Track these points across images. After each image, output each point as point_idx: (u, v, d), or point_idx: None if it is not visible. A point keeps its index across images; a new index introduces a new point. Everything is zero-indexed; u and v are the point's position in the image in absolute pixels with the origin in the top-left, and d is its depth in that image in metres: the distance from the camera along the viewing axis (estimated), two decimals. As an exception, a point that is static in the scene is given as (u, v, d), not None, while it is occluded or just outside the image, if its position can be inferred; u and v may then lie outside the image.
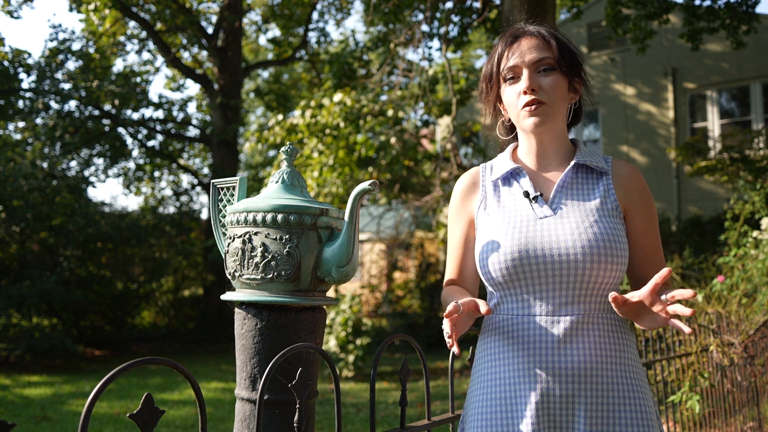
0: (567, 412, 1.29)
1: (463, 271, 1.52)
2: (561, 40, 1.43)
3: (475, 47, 21.85)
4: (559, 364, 1.30)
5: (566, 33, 13.03)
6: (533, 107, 1.39)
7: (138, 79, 16.44)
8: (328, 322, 8.40)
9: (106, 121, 14.85)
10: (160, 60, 17.31)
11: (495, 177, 1.48)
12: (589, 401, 1.29)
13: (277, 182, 1.35)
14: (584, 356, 1.30)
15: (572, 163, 1.43)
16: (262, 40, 21.61)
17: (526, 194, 1.41)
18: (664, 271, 1.18)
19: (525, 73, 1.40)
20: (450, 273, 1.53)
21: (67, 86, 13.86)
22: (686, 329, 1.18)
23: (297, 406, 1.12)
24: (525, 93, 1.39)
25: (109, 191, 47.40)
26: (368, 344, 8.26)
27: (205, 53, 17.06)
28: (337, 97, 8.62)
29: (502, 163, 1.50)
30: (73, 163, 14.75)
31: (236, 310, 1.28)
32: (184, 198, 16.21)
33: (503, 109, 1.52)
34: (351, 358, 8.17)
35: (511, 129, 1.57)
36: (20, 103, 13.94)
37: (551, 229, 1.35)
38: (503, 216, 1.42)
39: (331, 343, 8.25)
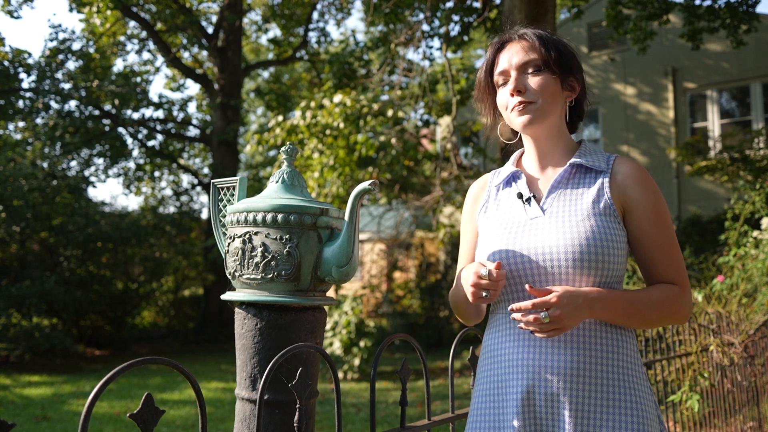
0: (551, 411, 1.29)
1: None
2: (547, 40, 1.43)
3: (475, 47, 21.85)
4: (543, 362, 1.30)
5: (566, 33, 13.00)
6: (521, 107, 1.41)
7: (138, 79, 16.44)
8: (331, 324, 8.39)
9: (106, 121, 14.86)
10: (160, 60, 17.32)
11: (498, 182, 1.51)
12: (574, 401, 1.27)
13: (277, 182, 1.35)
14: (570, 356, 1.29)
15: (569, 162, 1.43)
16: (263, 40, 21.62)
17: (519, 195, 1.44)
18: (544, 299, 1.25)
19: (513, 75, 1.42)
20: (458, 276, 1.56)
21: (67, 86, 13.87)
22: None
23: (297, 406, 1.12)
24: (512, 95, 1.42)
25: (109, 191, 47.45)
26: (371, 345, 8.25)
27: (205, 53, 17.07)
28: (338, 98, 8.62)
29: (506, 168, 1.54)
30: (73, 163, 14.77)
31: (236, 310, 1.28)
32: (184, 198, 16.23)
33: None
34: (356, 361, 8.15)
35: (514, 131, 1.58)
36: (20, 103, 13.95)
37: (539, 230, 1.36)
38: (498, 219, 1.45)
39: (335, 346, 8.24)
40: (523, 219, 1.40)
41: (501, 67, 1.45)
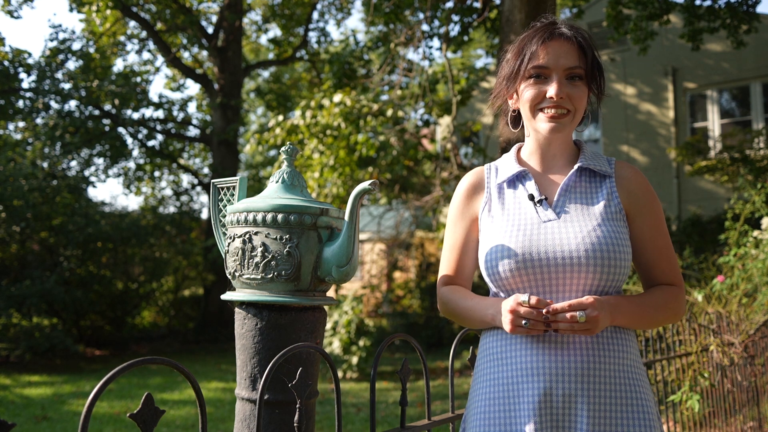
0: (569, 411, 1.29)
1: (461, 270, 1.51)
2: (594, 50, 1.42)
3: (475, 47, 21.84)
4: (560, 363, 1.30)
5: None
6: (557, 114, 1.39)
7: (138, 79, 16.44)
8: (331, 324, 8.39)
9: (106, 121, 14.85)
10: (160, 60, 17.32)
11: (501, 180, 1.48)
12: (590, 400, 1.29)
13: (277, 182, 1.35)
14: (585, 356, 1.31)
15: (576, 166, 1.43)
16: (263, 40, 21.65)
17: (531, 197, 1.42)
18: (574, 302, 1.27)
19: (555, 78, 1.38)
20: (447, 271, 1.52)
21: (67, 86, 13.86)
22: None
23: (297, 405, 1.12)
24: (552, 98, 1.38)
25: (109, 191, 47.50)
26: (371, 345, 8.26)
27: (205, 53, 17.06)
28: (337, 97, 8.62)
29: (507, 165, 1.50)
30: (74, 163, 14.76)
31: (236, 309, 1.28)
32: (184, 198, 16.22)
33: (511, 98, 1.50)
34: (354, 360, 8.15)
35: (515, 122, 1.54)
36: (20, 103, 13.95)
37: (555, 233, 1.36)
38: (507, 219, 1.42)
39: (334, 345, 8.24)
40: (536, 221, 1.39)
41: (542, 61, 1.39)
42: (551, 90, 1.38)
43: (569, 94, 1.38)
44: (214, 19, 16.40)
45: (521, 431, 1.31)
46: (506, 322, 1.30)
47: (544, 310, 1.27)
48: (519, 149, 1.53)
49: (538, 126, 1.42)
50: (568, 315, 1.25)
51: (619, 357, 1.33)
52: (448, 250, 1.53)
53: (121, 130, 15.20)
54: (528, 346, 1.34)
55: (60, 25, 14.54)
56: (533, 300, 1.27)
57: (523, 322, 1.27)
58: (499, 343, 1.39)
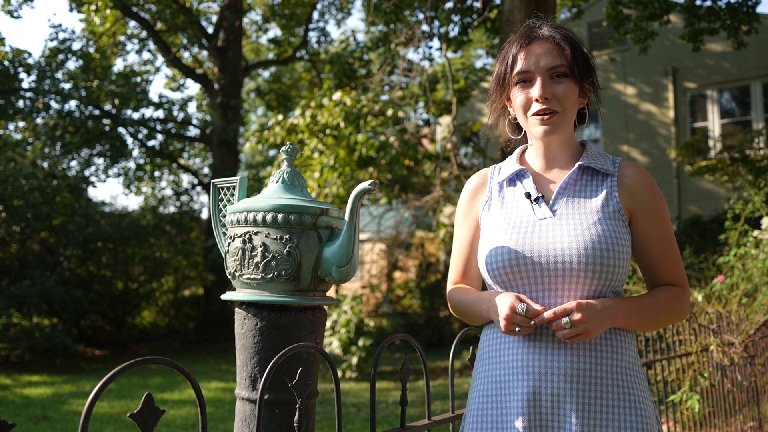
0: (556, 411, 1.29)
1: (468, 270, 1.52)
2: (576, 46, 1.41)
3: (475, 47, 21.83)
4: (549, 363, 1.30)
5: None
6: (545, 116, 1.38)
7: (138, 79, 16.45)
8: (330, 323, 8.39)
9: (106, 121, 14.86)
10: (160, 60, 17.32)
11: (501, 178, 1.49)
12: (580, 401, 1.28)
13: (277, 182, 1.34)
14: (576, 356, 1.30)
15: (577, 164, 1.42)
16: (263, 40, 21.64)
17: (528, 195, 1.42)
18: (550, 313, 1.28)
19: (538, 80, 1.38)
20: (455, 273, 1.54)
21: (67, 86, 13.87)
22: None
23: (297, 405, 1.12)
24: (537, 101, 1.38)
25: (110, 191, 47.50)
26: (370, 345, 8.26)
27: (205, 53, 17.07)
28: (336, 96, 8.62)
29: (508, 164, 1.51)
30: (74, 163, 14.77)
31: (236, 309, 1.28)
32: (184, 198, 16.23)
33: (510, 106, 1.50)
34: (354, 359, 8.15)
35: (518, 127, 1.55)
36: (20, 103, 13.95)
37: (549, 231, 1.35)
38: (504, 217, 1.42)
39: (333, 345, 8.24)
40: (531, 219, 1.38)
41: (524, 66, 1.39)
42: (534, 92, 1.38)
43: (554, 94, 1.37)
44: (214, 19, 16.40)
45: (512, 428, 1.31)
46: (501, 326, 1.32)
47: (533, 321, 1.29)
48: (523, 151, 1.54)
49: (532, 131, 1.43)
50: (553, 324, 1.28)
51: (613, 359, 1.32)
52: (455, 251, 1.55)
53: (121, 130, 15.21)
54: (521, 345, 1.34)
55: (60, 25, 14.55)
56: (528, 310, 1.29)
57: (517, 328, 1.29)
58: (494, 341, 1.40)
